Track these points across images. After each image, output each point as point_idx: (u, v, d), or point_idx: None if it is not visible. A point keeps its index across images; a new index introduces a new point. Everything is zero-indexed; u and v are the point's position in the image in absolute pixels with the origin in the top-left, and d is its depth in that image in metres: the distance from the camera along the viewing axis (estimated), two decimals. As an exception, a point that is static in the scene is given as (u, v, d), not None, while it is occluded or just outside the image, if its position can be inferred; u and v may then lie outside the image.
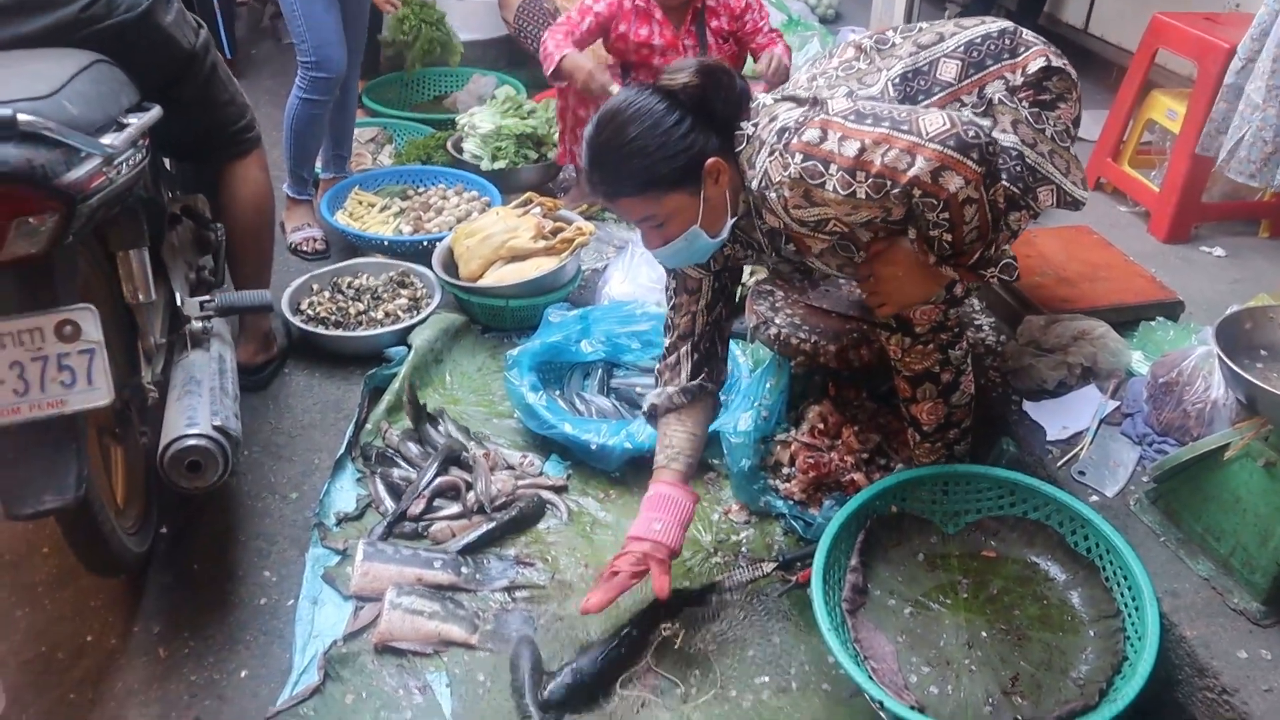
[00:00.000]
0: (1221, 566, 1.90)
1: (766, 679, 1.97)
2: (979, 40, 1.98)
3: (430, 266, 3.09)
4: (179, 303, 2.24)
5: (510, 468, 2.45)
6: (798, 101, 1.88)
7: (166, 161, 2.55)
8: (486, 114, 3.97)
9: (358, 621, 2.07)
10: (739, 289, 2.25)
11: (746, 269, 2.61)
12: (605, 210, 3.70)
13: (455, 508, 2.34)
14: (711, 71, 1.82)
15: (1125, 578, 1.87)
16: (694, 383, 2.13)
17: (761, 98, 1.96)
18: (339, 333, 2.88)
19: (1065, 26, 5.14)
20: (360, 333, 2.89)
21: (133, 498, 2.21)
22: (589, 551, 2.26)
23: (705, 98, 1.82)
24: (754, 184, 1.86)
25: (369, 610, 2.08)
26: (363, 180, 3.73)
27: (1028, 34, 2.04)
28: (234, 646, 2.05)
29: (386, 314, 2.96)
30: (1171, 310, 2.73)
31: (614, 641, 1.98)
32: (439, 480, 2.36)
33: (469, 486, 2.36)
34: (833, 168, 1.70)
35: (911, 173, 1.66)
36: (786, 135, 1.78)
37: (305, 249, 3.46)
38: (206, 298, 2.29)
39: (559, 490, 2.40)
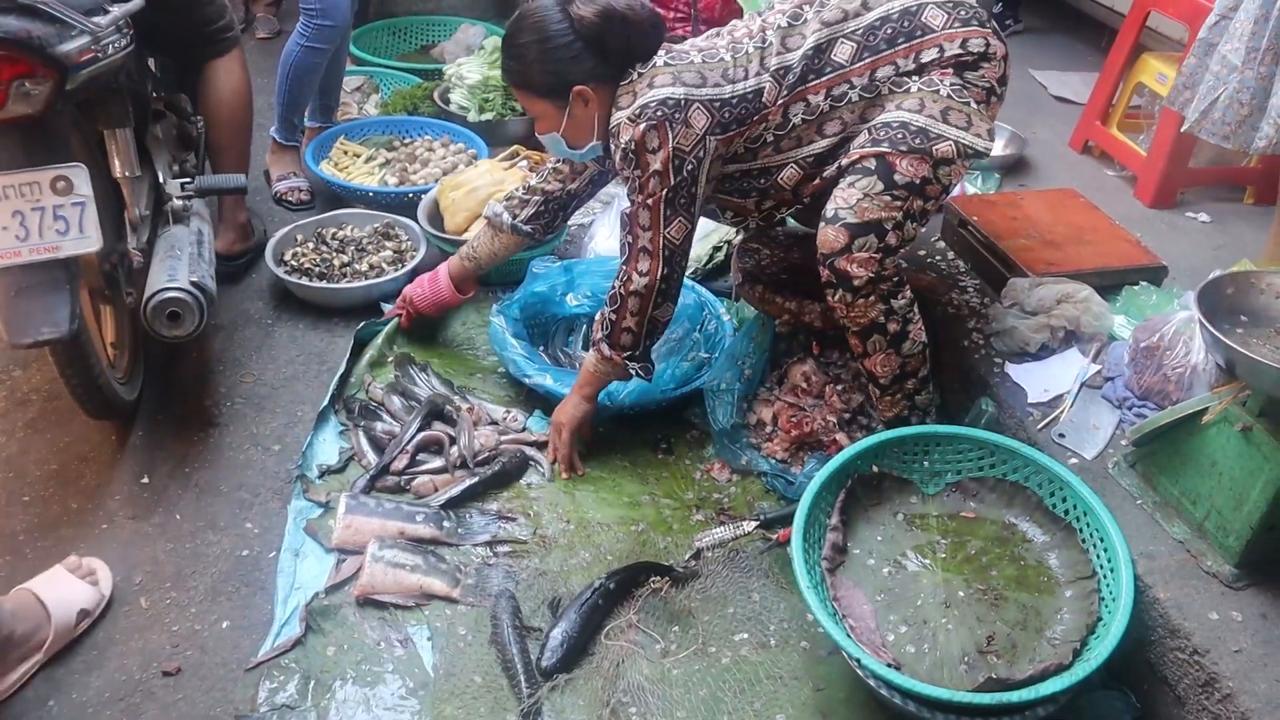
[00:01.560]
0: (1196, 530, 1.93)
1: (746, 635, 2.00)
2: (877, 24, 2.12)
3: (416, 219, 3.06)
4: (162, 182, 2.49)
5: (494, 423, 2.45)
6: (672, 76, 2.09)
7: (152, 63, 2.76)
8: (474, 64, 3.92)
9: (339, 574, 2.08)
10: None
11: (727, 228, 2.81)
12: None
13: (438, 462, 2.34)
14: (613, 15, 2.09)
15: (1101, 540, 1.89)
16: (525, 226, 2.55)
17: (658, 56, 2.15)
18: (323, 284, 2.87)
19: (1057, -14, 5.11)
20: (344, 285, 2.87)
21: (121, 350, 2.51)
22: (570, 507, 2.27)
23: (599, 35, 2.09)
24: (611, 121, 2.13)
25: (351, 563, 2.09)
26: (348, 130, 3.68)
27: (932, 10, 2.11)
28: (216, 598, 2.06)
29: (371, 266, 2.94)
30: (1155, 275, 2.73)
31: (591, 596, 1.99)
32: (422, 435, 2.36)
33: (452, 441, 2.36)
34: (638, 172, 2.09)
35: (640, 241, 2.15)
36: (646, 113, 2.05)
37: (290, 199, 3.42)
38: (187, 179, 2.55)
39: (541, 446, 2.41)
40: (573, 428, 2.34)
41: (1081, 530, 1.96)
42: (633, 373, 2.27)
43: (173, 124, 2.72)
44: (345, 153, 3.57)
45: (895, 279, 2.11)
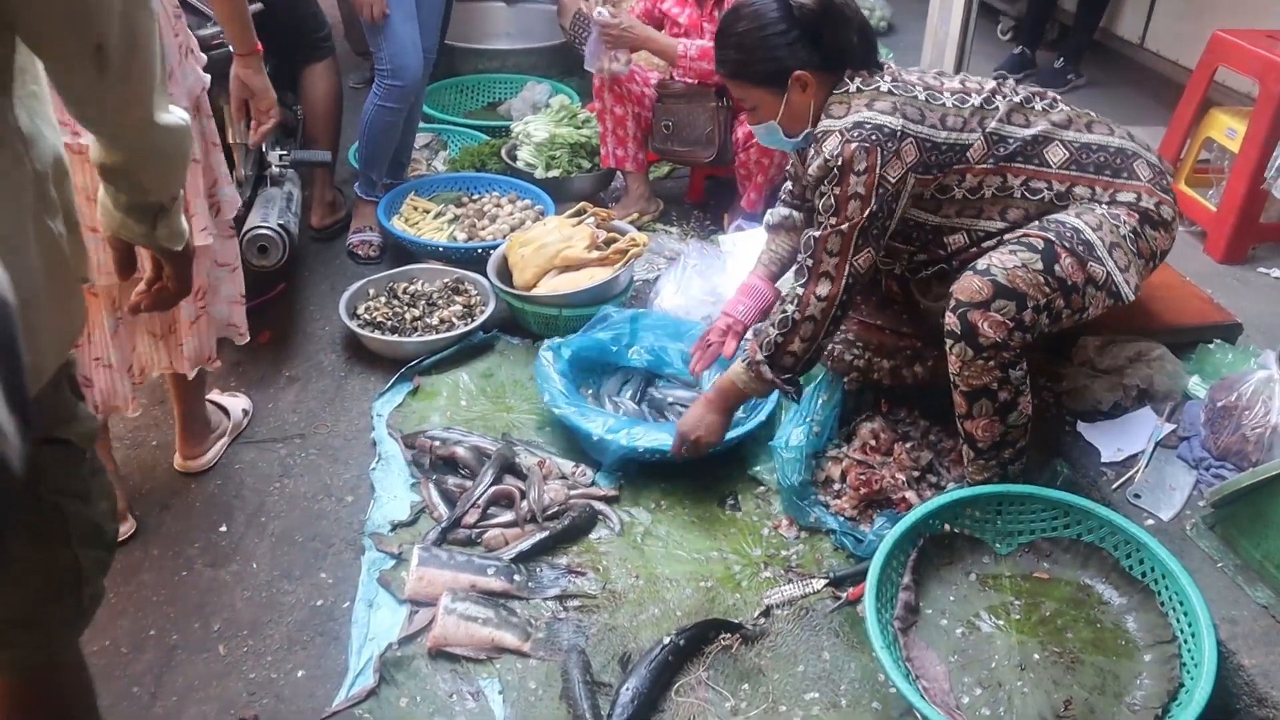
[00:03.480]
0: (1280, 595, 1.89)
1: (816, 695, 1.98)
2: (1094, 147, 2.18)
3: (484, 274, 3.12)
4: (265, 151, 3.09)
5: (563, 477, 2.48)
6: (893, 105, 2.10)
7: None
8: (541, 122, 4.00)
9: (412, 626, 2.10)
10: None
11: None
12: (655, 220, 3.73)
13: (509, 515, 2.37)
14: (832, 6, 2.15)
15: (1181, 603, 1.86)
16: (802, 216, 2.52)
17: (881, 80, 2.17)
18: (395, 338, 2.93)
19: (1120, 41, 5.10)
20: (415, 338, 2.93)
21: None
22: (640, 562, 2.28)
23: (817, 23, 2.14)
24: (818, 127, 2.15)
25: (423, 615, 2.12)
26: (418, 186, 3.77)
27: (1143, 164, 2.18)
28: (291, 647, 2.09)
29: (441, 320, 3.00)
30: (1229, 333, 2.70)
31: (661, 653, 1.99)
32: (494, 489, 2.39)
33: (522, 495, 2.39)
34: (838, 190, 2.08)
35: (824, 267, 2.12)
36: (858, 132, 2.06)
37: (359, 253, 3.52)
38: (284, 152, 3.16)
39: (611, 501, 2.43)
40: (706, 444, 2.34)
41: (1160, 593, 1.93)
42: (789, 394, 2.27)
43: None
44: (415, 208, 3.66)
45: (1018, 350, 2.07)
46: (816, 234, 2.12)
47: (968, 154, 2.13)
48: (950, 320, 2.05)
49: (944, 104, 2.14)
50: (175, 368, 2.32)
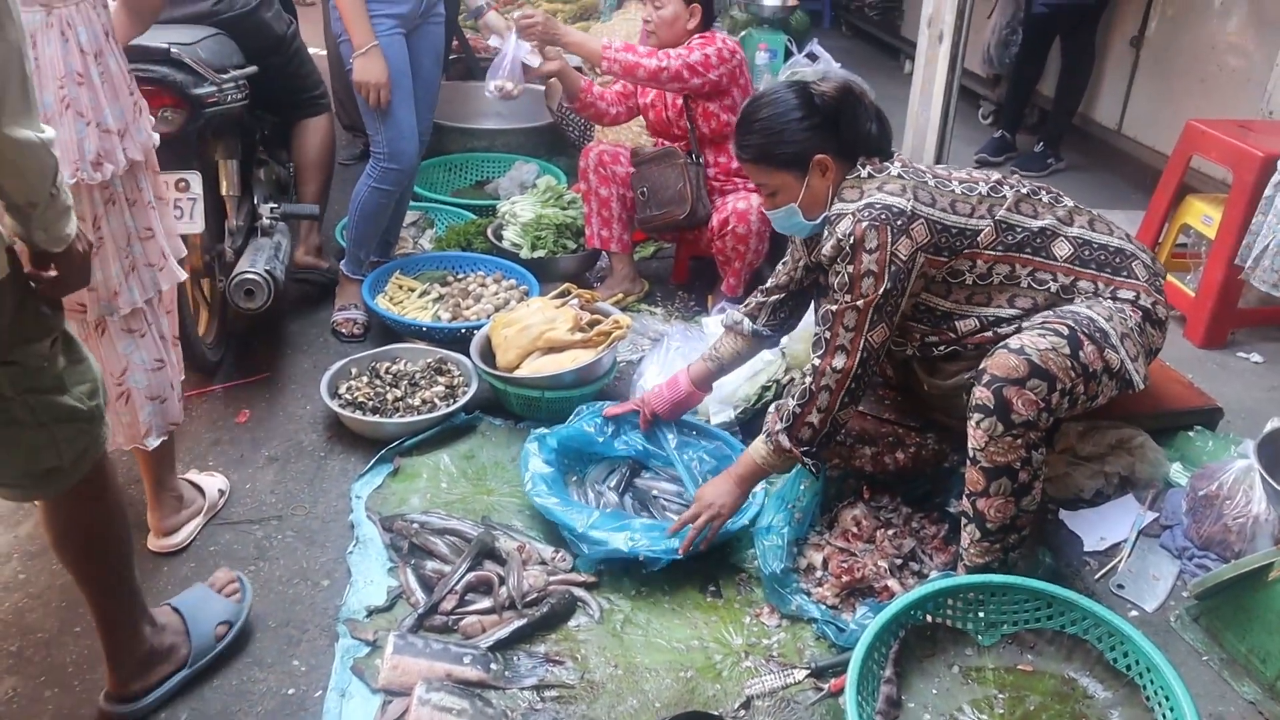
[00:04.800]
0: (1268, 690, 1.87)
1: (798, 791, 1.94)
2: (1095, 245, 2.27)
3: (468, 354, 3.12)
4: (256, 205, 3.33)
5: (543, 563, 2.45)
6: (903, 187, 2.20)
7: (261, 128, 3.55)
8: (527, 203, 4.04)
9: (385, 716, 2.05)
10: None
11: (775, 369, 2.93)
12: (640, 301, 3.76)
13: (486, 602, 2.33)
14: (849, 94, 2.28)
15: (1167, 698, 1.83)
16: (765, 329, 2.62)
17: (892, 166, 2.28)
18: (375, 418, 2.91)
19: (1098, 126, 5.21)
20: (397, 419, 2.92)
21: (211, 325, 3.27)
22: (619, 651, 2.24)
23: (836, 110, 2.25)
24: (831, 210, 2.25)
25: (397, 705, 2.06)
26: (404, 265, 3.79)
27: (1140, 265, 2.27)
28: (261, 738, 2.04)
29: (424, 401, 2.99)
30: (1210, 417, 2.71)
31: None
32: (472, 574, 2.36)
33: (501, 581, 2.36)
34: (850, 269, 2.16)
35: (839, 340, 2.20)
36: (869, 213, 2.15)
37: (344, 331, 3.52)
38: (274, 205, 3.37)
39: (590, 587, 2.39)
40: (724, 517, 2.36)
41: (1145, 687, 1.90)
42: (808, 467, 2.30)
43: (273, 171, 3.63)
44: (400, 287, 3.67)
45: (1041, 434, 2.09)
46: (833, 309, 2.19)
47: (978, 239, 2.20)
48: (982, 394, 2.07)
49: (953, 190, 2.23)
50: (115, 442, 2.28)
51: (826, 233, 2.22)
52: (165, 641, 2.08)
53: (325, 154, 3.75)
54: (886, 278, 2.13)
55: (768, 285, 2.64)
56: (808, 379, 2.23)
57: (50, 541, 1.90)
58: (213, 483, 2.70)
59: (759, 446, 2.32)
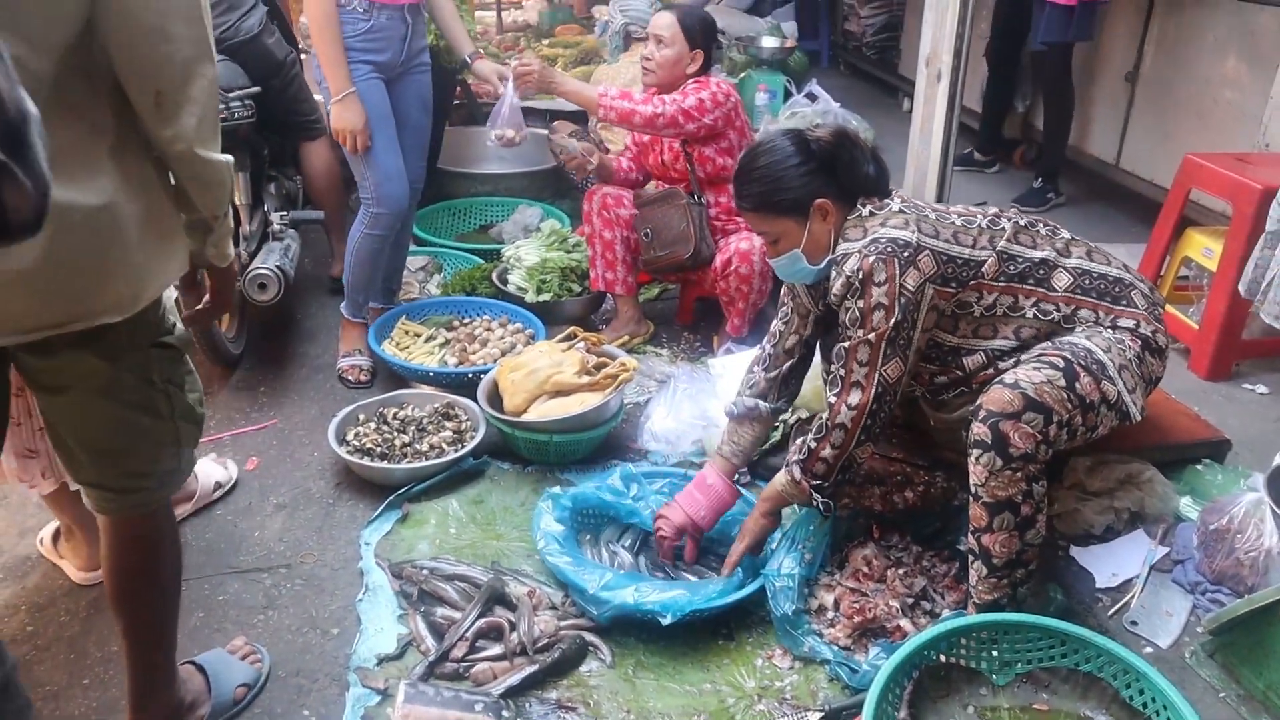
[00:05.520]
0: (1285, 727, 1.85)
1: (814, 837, 1.92)
2: (1094, 274, 2.29)
3: (475, 399, 3.13)
4: (268, 213, 3.65)
5: (553, 607, 2.44)
6: (909, 218, 2.23)
7: (268, 151, 3.84)
8: (532, 247, 4.07)
9: (398, 766, 2.04)
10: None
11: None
12: (646, 342, 3.77)
13: (498, 648, 2.32)
14: (845, 138, 2.30)
15: (1184, 737, 1.82)
16: (771, 406, 2.57)
17: (892, 203, 2.30)
18: (384, 465, 2.92)
19: (1096, 161, 5.24)
20: (405, 465, 2.92)
21: (232, 321, 3.65)
22: (631, 696, 2.23)
23: (832, 154, 2.27)
24: (836, 251, 2.26)
25: (409, 755, 2.05)
26: (410, 310, 3.81)
27: (1139, 293, 2.29)
28: (273, 791, 2.03)
29: (431, 446, 3.00)
30: (1218, 450, 2.71)
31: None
32: (483, 621, 2.35)
33: (512, 627, 2.35)
34: (860, 303, 2.17)
35: (854, 376, 2.20)
36: (874, 248, 2.16)
37: (350, 378, 3.54)
38: (283, 213, 3.71)
39: (602, 632, 2.38)
40: (753, 543, 2.42)
41: (1162, 726, 1.89)
42: (816, 505, 2.30)
43: (283, 184, 4.02)
44: (406, 332, 3.69)
45: (1041, 466, 2.10)
46: (846, 345, 2.20)
47: (983, 269, 2.22)
48: (979, 430, 2.08)
49: (953, 222, 2.26)
50: None
51: (834, 273, 2.24)
52: (188, 697, 2.09)
53: (328, 173, 4.06)
54: (897, 309, 2.14)
55: (771, 355, 2.59)
56: (824, 416, 2.24)
57: (110, 574, 1.87)
58: (214, 474, 2.89)
59: (781, 476, 2.34)
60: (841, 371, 2.21)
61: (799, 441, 2.30)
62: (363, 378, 3.54)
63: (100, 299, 1.53)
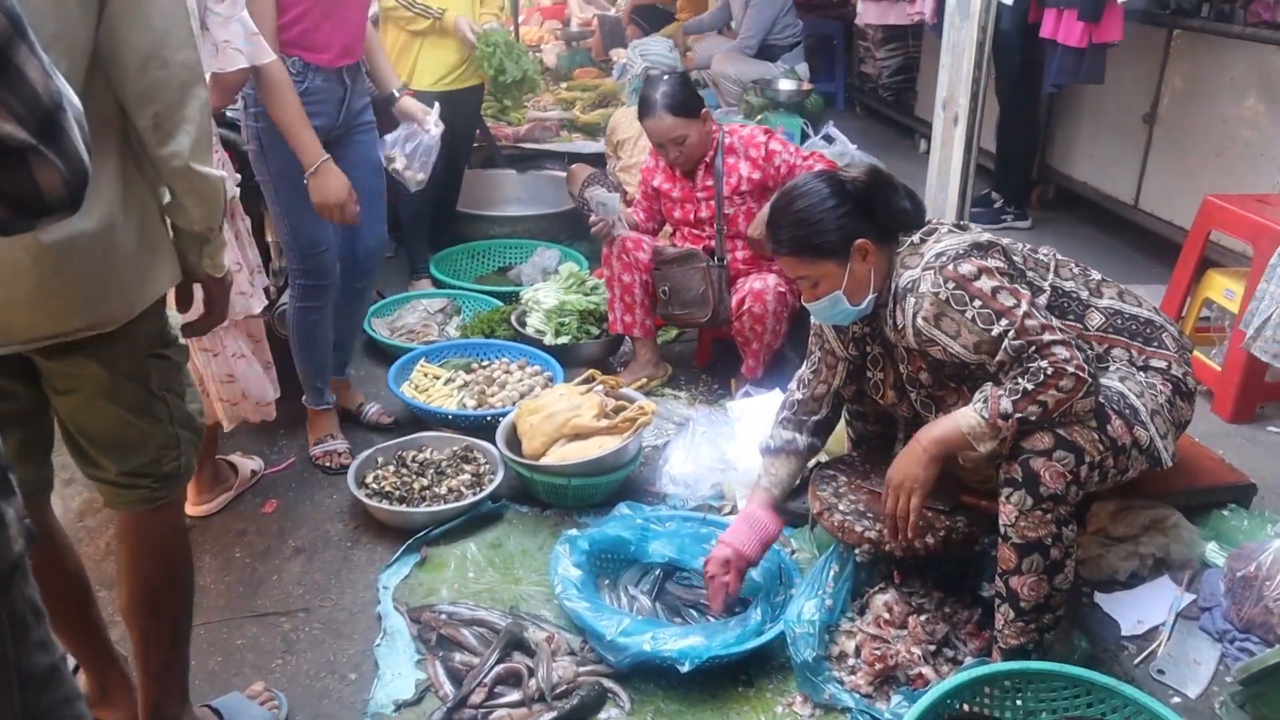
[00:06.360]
0: (1318, 781, 1.82)
1: None
2: (1127, 315, 2.29)
3: (494, 441, 3.13)
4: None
5: (572, 653, 2.42)
6: (961, 229, 2.24)
7: None
8: (550, 289, 4.09)
9: (415, 816, 2.02)
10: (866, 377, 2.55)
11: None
12: (664, 385, 3.77)
13: (516, 694, 2.30)
14: (879, 177, 2.28)
15: (1215, 790, 1.79)
16: (807, 442, 2.56)
17: (941, 227, 2.29)
18: (403, 508, 2.92)
19: (1115, 202, 5.23)
20: (424, 508, 2.92)
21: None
22: (650, 744, 2.21)
23: (868, 194, 2.25)
24: (900, 282, 2.21)
25: (427, 804, 2.04)
26: (429, 353, 3.83)
27: (1169, 336, 2.28)
28: (289, 840, 2.01)
29: (450, 489, 3.00)
30: (1243, 494, 2.68)
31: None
32: (501, 666, 2.34)
33: (530, 673, 2.33)
34: (977, 303, 2.05)
35: (1045, 338, 2.01)
36: (944, 259, 2.11)
37: (329, 464, 3.26)
38: None
39: (621, 678, 2.36)
40: (923, 491, 2.16)
41: (1192, 779, 1.85)
42: (1004, 443, 2.08)
43: None
44: (425, 375, 3.70)
45: (1071, 509, 2.07)
46: (1015, 340, 2.02)
47: (1034, 286, 2.22)
48: (1010, 468, 2.06)
49: (1002, 245, 2.24)
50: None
51: (903, 305, 2.16)
52: None
53: None
54: (1009, 280, 2.07)
55: (801, 401, 2.57)
56: (1042, 371, 2.00)
57: (124, 576, 1.97)
58: (247, 464, 3.19)
59: (969, 414, 2.07)
60: (1031, 349, 2.02)
61: (987, 386, 2.08)
62: (344, 461, 3.23)
63: (98, 311, 1.68)
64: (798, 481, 2.61)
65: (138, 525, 1.95)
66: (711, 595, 2.50)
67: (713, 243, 3.62)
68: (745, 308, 3.44)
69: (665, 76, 3.60)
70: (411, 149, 3.46)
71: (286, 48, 2.84)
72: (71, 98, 1.00)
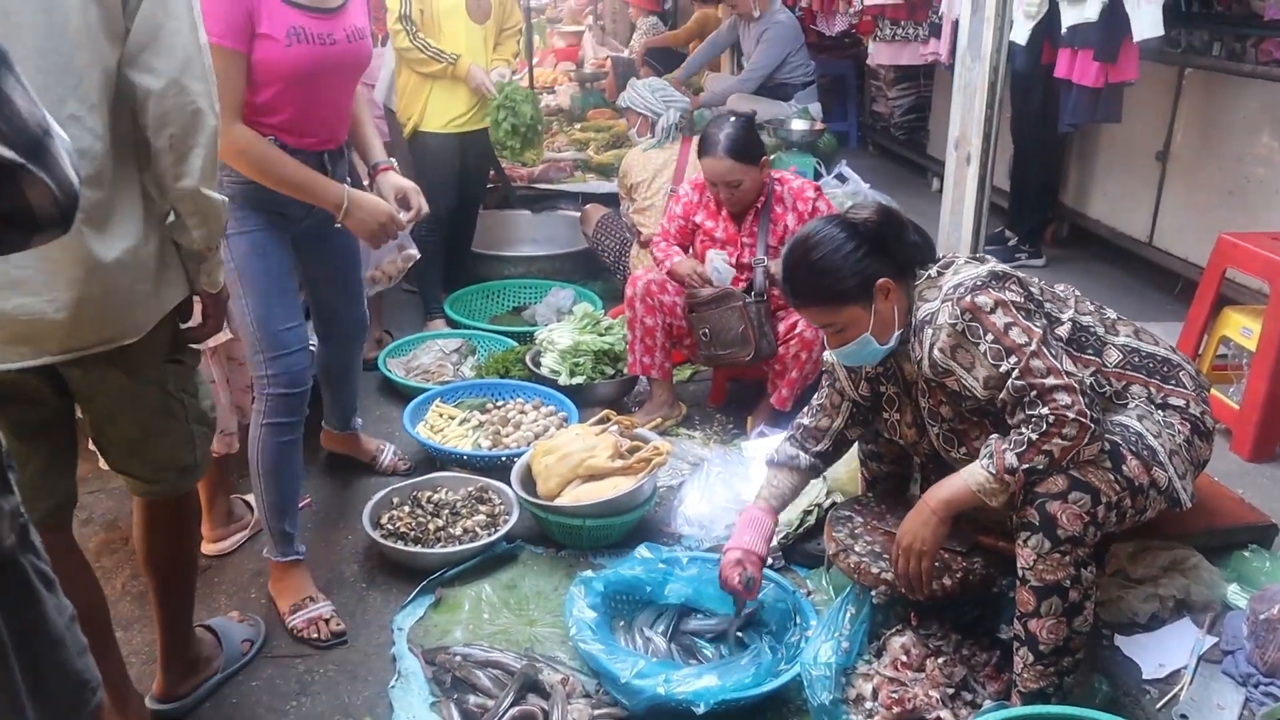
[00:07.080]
0: (1346, 829, 1.78)
1: None
2: (1144, 353, 2.29)
3: (508, 482, 3.13)
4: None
5: (587, 695, 2.41)
6: (979, 260, 2.24)
7: None
8: (565, 330, 4.10)
9: None
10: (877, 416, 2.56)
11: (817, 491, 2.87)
12: (678, 425, 3.77)
13: (531, 738, 2.29)
14: (889, 215, 2.27)
15: (1241, 838, 1.76)
16: (810, 461, 2.57)
17: (958, 259, 2.29)
18: (418, 549, 2.92)
19: (1129, 239, 5.23)
20: (439, 549, 2.92)
21: None
22: (666, 789, 2.19)
23: (880, 233, 2.24)
24: (917, 315, 2.22)
25: None
26: (444, 393, 3.84)
27: (1186, 375, 2.28)
28: None
29: (465, 530, 2.99)
30: (1265, 535, 2.65)
31: None
32: (515, 709, 2.32)
33: (545, 716, 2.32)
34: (990, 337, 2.06)
35: (1049, 381, 2.00)
36: (961, 290, 2.12)
37: (311, 635, 2.68)
38: None
39: (635, 722, 2.35)
40: (933, 554, 2.20)
41: (1217, 826, 1.82)
42: (1014, 495, 2.07)
43: None
44: (440, 415, 3.71)
45: (1090, 550, 2.06)
46: (1018, 380, 2.03)
47: (1057, 330, 2.21)
48: (1027, 512, 2.04)
49: (1019, 276, 2.23)
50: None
51: (922, 337, 2.17)
52: (205, 652, 2.47)
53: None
54: (1023, 316, 2.07)
55: (807, 428, 2.59)
56: (1044, 420, 2.00)
57: (141, 541, 2.25)
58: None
59: (976, 472, 2.08)
60: (1032, 393, 2.02)
61: (992, 440, 2.09)
62: (335, 628, 2.68)
63: (124, 324, 1.86)
64: (794, 497, 2.63)
65: (155, 509, 2.21)
66: (730, 586, 2.45)
67: (746, 282, 3.62)
68: (797, 331, 3.45)
69: (732, 119, 3.59)
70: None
71: (266, 131, 2.54)
72: (59, 130, 1.05)
